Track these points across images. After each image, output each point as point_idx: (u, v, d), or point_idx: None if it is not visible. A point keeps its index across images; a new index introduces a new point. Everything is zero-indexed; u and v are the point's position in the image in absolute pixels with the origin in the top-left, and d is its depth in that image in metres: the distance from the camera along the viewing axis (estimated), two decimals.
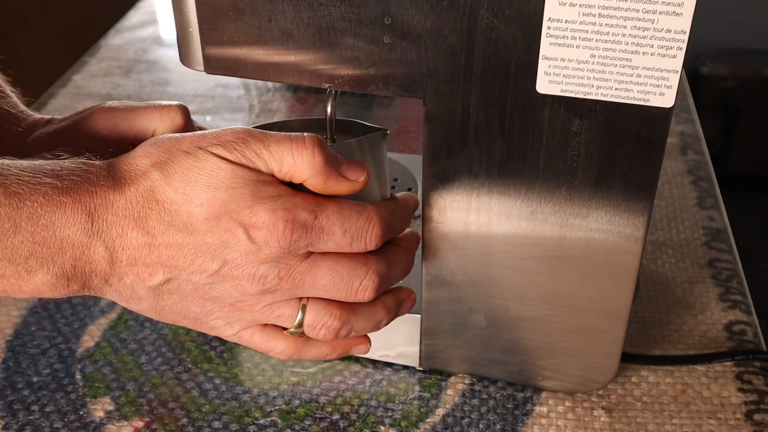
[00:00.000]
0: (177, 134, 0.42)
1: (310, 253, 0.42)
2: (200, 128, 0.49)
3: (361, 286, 0.43)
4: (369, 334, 0.47)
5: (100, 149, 0.47)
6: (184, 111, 0.49)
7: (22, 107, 0.52)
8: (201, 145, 0.40)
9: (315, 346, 0.45)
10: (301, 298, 0.43)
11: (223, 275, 0.41)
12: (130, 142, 0.47)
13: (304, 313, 0.43)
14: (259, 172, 0.40)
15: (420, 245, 0.49)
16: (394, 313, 0.46)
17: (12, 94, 0.53)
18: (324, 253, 0.42)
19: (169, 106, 0.48)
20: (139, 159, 0.41)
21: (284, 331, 0.44)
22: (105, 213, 0.39)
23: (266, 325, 0.44)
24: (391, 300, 0.46)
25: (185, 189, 0.39)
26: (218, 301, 0.42)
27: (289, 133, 0.41)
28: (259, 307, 0.42)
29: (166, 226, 0.40)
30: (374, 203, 0.43)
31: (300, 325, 0.43)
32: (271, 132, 0.41)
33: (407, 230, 0.48)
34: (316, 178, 0.41)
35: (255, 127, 0.50)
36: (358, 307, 0.44)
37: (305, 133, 0.41)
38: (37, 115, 0.52)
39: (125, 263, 0.40)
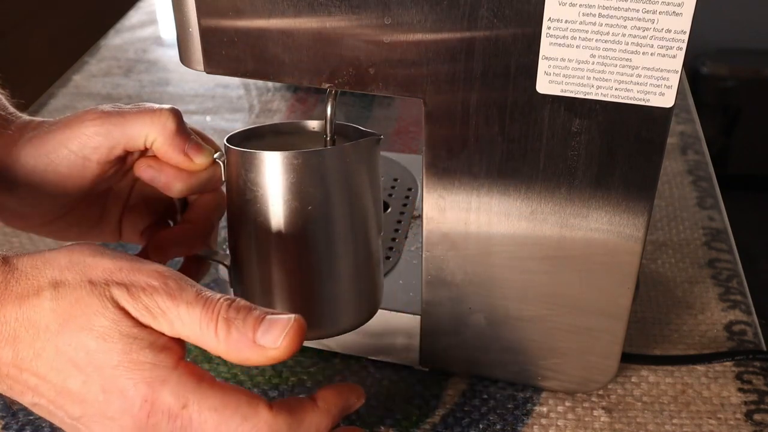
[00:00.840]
0: (102, 255, 0.39)
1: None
2: (194, 131, 0.49)
3: None
4: (369, 335, 0.47)
5: (92, 154, 0.47)
6: (176, 115, 0.47)
7: (11, 109, 0.51)
8: (108, 280, 0.37)
9: None
10: None
11: (84, 424, 0.38)
12: (122, 148, 0.47)
13: None
14: (147, 329, 0.37)
15: (422, 237, 0.49)
16: None
17: (0, 96, 0.52)
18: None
19: (161, 110, 0.47)
20: (44, 268, 0.38)
21: None
22: None
23: None
24: None
25: (64, 321, 0.37)
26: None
27: (208, 297, 0.38)
28: None
29: (35, 356, 0.37)
30: (271, 407, 0.38)
31: None
32: (191, 289, 0.38)
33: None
34: (225, 354, 0.38)
35: (254, 128, 0.50)
36: None
37: (218, 300, 0.37)
38: (27, 117, 0.51)
39: (2, 374, 0.38)
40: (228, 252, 0.50)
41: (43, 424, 0.53)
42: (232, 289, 0.51)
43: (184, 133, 0.48)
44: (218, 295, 0.38)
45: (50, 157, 0.47)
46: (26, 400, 0.39)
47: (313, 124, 0.50)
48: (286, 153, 0.44)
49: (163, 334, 0.37)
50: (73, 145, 0.47)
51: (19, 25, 1.53)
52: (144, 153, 0.48)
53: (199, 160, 0.47)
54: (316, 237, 0.46)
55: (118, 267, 0.38)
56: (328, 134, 0.48)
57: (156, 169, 0.48)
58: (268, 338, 0.37)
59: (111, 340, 0.36)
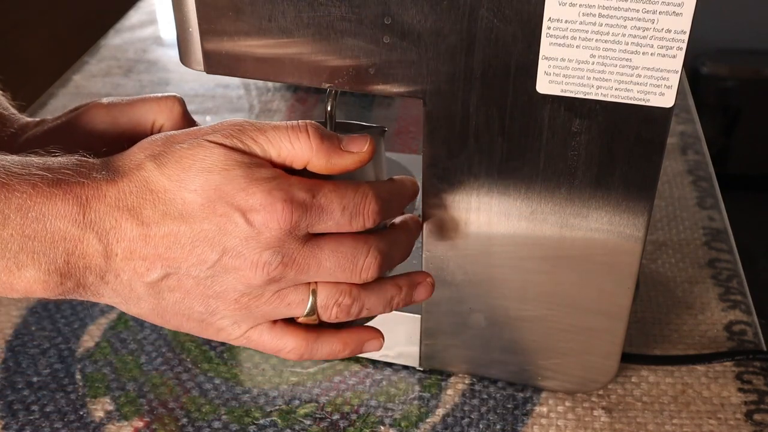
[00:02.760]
0: (173, 131, 0.41)
1: (310, 237, 0.41)
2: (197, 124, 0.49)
3: (365, 264, 0.42)
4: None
5: (99, 145, 0.46)
6: (181, 102, 0.49)
7: (12, 110, 0.51)
8: (197, 135, 0.40)
9: (326, 343, 0.44)
10: (309, 284, 0.42)
11: (224, 266, 0.40)
12: (129, 136, 0.47)
13: (315, 296, 0.42)
14: (253, 155, 0.40)
15: (421, 237, 0.49)
16: (406, 294, 0.45)
17: (1, 97, 0.52)
18: (324, 236, 0.41)
19: (167, 97, 0.48)
20: (134, 154, 0.40)
21: (296, 320, 0.43)
22: (97, 204, 0.38)
23: (275, 322, 0.43)
24: (403, 280, 0.45)
25: (179, 176, 0.39)
26: (222, 297, 0.41)
27: (287, 122, 0.41)
28: (266, 298, 0.41)
29: (161, 216, 0.38)
30: (370, 182, 0.43)
31: (313, 310, 0.42)
32: (270, 122, 0.41)
33: (407, 215, 0.47)
34: (317, 158, 0.41)
35: None
36: (368, 285, 0.43)
37: (301, 121, 0.41)
38: (28, 118, 0.51)
39: (121, 257, 0.39)
40: None
41: (43, 425, 0.53)
42: None
43: (190, 117, 0.49)
44: (295, 121, 0.41)
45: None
46: (154, 276, 0.39)
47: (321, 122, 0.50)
48: None
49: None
50: (79, 136, 0.47)
51: (19, 25, 1.53)
52: None
53: None
54: None
55: (197, 128, 0.41)
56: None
57: None
58: (355, 145, 0.42)
59: (232, 169, 0.39)
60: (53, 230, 0.37)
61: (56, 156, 0.40)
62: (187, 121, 0.48)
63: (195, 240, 0.39)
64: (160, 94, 0.48)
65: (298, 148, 0.40)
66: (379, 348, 0.46)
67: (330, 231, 0.41)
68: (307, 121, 0.41)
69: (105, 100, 0.48)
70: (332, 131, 0.42)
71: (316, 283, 0.42)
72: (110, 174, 0.39)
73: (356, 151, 0.42)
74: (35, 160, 0.39)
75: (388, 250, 0.43)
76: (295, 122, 0.41)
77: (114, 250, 0.39)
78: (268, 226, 0.39)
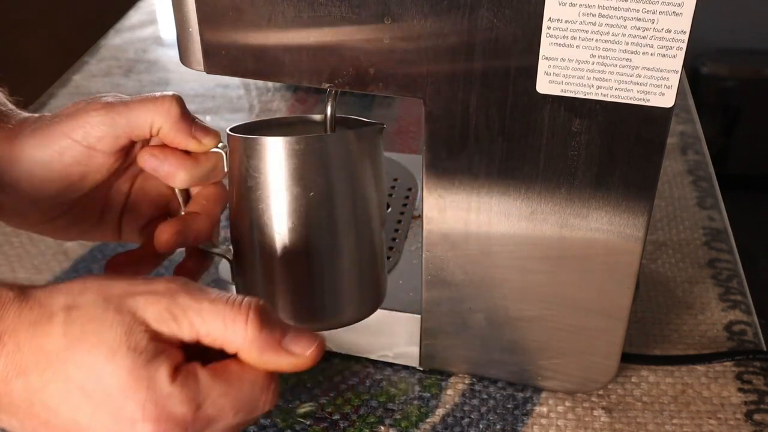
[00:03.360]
0: (118, 277, 0.38)
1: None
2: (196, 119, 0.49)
3: (262, 406, 0.38)
4: (369, 335, 0.46)
5: (97, 143, 0.46)
6: (179, 101, 0.48)
7: (10, 105, 0.51)
8: (125, 292, 0.37)
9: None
10: None
11: None
12: (127, 138, 0.47)
13: None
14: (155, 342, 0.36)
15: (421, 237, 0.49)
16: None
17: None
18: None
19: (164, 97, 0.47)
20: (58, 296, 0.37)
21: None
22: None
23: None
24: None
25: (74, 343, 0.36)
26: None
27: (234, 298, 0.37)
28: None
29: (44, 386, 0.36)
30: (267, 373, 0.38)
31: None
32: (211, 291, 0.37)
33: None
34: (250, 349, 0.37)
35: (257, 121, 0.50)
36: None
37: (248, 300, 0.37)
38: (27, 114, 0.50)
39: (4, 405, 0.36)
40: (230, 247, 0.50)
41: None
42: (233, 285, 0.51)
43: (189, 116, 0.48)
44: (240, 296, 0.37)
45: (53, 149, 0.46)
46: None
47: (317, 117, 0.50)
48: (288, 138, 0.44)
49: (174, 346, 0.36)
50: (77, 135, 0.46)
51: (19, 25, 1.53)
52: (147, 144, 0.48)
53: (207, 141, 0.47)
54: (318, 224, 0.46)
55: (135, 282, 0.38)
56: (328, 131, 0.48)
57: (159, 158, 0.47)
58: (298, 346, 0.38)
59: (119, 356, 0.35)
60: None
61: None
62: (185, 121, 0.47)
63: (70, 427, 0.36)
64: (158, 94, 0.48)
65: (231, 333, 0.36)
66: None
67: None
68: (255, 302, 0.37)
69: (104, 99, 0.48)
70: (280, 321, 0.38)
71: None
72: (20, 315, 0.36)
73: (298, 353, 0.37)
74: None
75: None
76: (240, 301, 0.37)
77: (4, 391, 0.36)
78: None
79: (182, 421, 0.35)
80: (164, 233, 0.48)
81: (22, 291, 0.37)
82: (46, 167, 0.47)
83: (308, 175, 0.44)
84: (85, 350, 0.35)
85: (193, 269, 0.51)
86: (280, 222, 0.45)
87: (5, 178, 0.47)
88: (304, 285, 0.47)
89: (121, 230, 0.53)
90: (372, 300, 0.50)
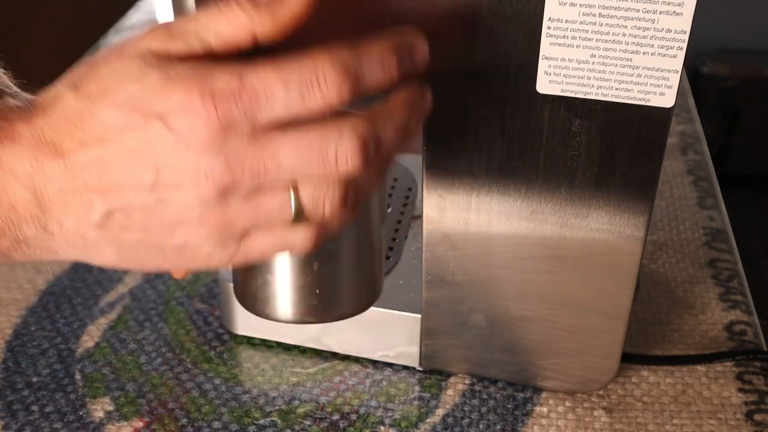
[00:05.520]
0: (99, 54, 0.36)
1: (263, 130, 0.33)
2: None
3: (338, 153, 0.34)
4: (369, 335, 0.46)
5: None
6: None
7: (15, 88, 0.49)
8: (121, 47, 0.34)
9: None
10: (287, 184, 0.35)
11: (166, 185, 0.34)
12: None
13: (297, 195, 0.35)
14: (181, 54, 0.34)
15: (421, 237, 0.49)
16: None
17: (3, 75, 0.50)
18: (283, 127, 0.34)
19: None
20: (54, 86, 0.35)
21: (287, 230, 0.36)
22: (12, 146, 0.34)
23: None
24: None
25: (96, 97, 0.34)
26: (185, 223, 0.35)
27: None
28: (235, 211, 0.34)
29: (80, 144, 0.34)
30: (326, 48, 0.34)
31: (300, 212, 0.35)
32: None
33: (408, 85, 0.37)
34: (261, 20, 0.33)
35: None
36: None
37: None
38: (31, 96, 0.49)
39: (55, 201, 0.34)
40: None
41: (43, 425, 0.53)
42: (232, 284, 0.51)
43: None
44: None
45: None
46: (96, 215, 0.35)
47: None
48: None
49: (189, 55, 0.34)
50: None
51: (19, 25, 1.53)
52: None
53: None
54: None
55: (126, 40, 0.35)
56: None
57: None
58: None
59: (148, 73, 0.33)
60: None
61: None
62: None
63: (122, 162, 0.33)
64: None
65: (235, 22, 0.33)
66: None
67: (285, 118, 0.33)
68: None
69: None
70: None
71: (296, 181, 0.35)
72: (27, 113, 0.35)
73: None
74: None
75: (373, 131, 0.35)
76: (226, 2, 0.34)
77: (45, 194, 0.34)
78: (193, 128, 0.32)
79: (227, 93, 0.32)
80: None
81: (25, 102, 0.36)
82: None
83: None
84: (110, 91, 0.33)
85: None
86: None
87: None
88: (302, 277, 0.47)
89: None
90: (369, 294, 0.50)
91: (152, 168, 0.33)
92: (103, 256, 0.37)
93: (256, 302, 0.48)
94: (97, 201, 0.34)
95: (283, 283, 0.47)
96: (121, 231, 0.35)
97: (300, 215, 0.35)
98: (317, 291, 0.47)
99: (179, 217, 0.34)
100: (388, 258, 0.59)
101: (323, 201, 0.35)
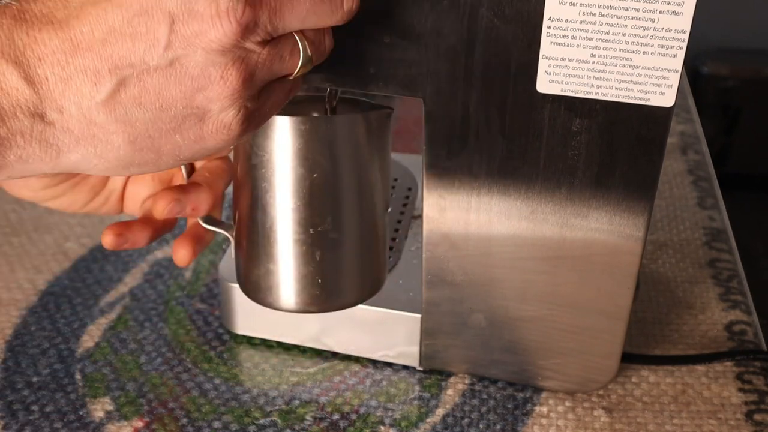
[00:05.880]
0: None
1: None
2: None
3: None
4: (369, 335, 0.46)
5: None
6: None
7: None
8: None
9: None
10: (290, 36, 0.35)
11: (183, 38, 0.31)
12: None
13: (304, 42, 0.35)
14: None
15: (421, 237, 0.49)
16: None
17: None
18: None
19: None
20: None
21: (296, 79, 0.37)
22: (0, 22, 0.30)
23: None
24: None
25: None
26: (206, 84, 0.33)
27: None
28: (256, 57, 0.33)
29: (79, 7, 0.30)
30: None
31: (308, 57, 0.35)
32: None
33: None
34: None
35: None
36: None
37: None
38: None
39: (54, 81, 0.31)
40: (232, 224, 0.49)
41: (43, 425, 0.53)
42: (234, 285, 0.51)
43: None
44: None
45: None
46: (105, 89, 0.31)
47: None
48: (294, 117, 0.44)
49: None
50: None
51: None
52: None
53: None
54: (321, 206, 0.46)
55: None
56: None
57: None
58: None
59: None
60: None
61: None
62: None
63: (131, 18, 0.31)
64: None
65: None
66: None
67: None
68: None
69: None
70: None
71: (300, 31, 0.35)
72: None
73: None
74: None
75: None
76: None
77: (40, 74, 0.30)
78: None
79: None
80: (162, 199, 0.46)
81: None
82: None
83: (313, 156, 0.44)
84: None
85: (192, 243, 0.50)
86: (282, 201, 0.45)
87: None
88: (304, 266, 0.47)
89: (124, 200, 0.52)
90: (371, 283, 0.49)
91: (166, 18, 0.31)
92: (112, 147, 0.33)
93: (259, 291, 0.48)
94: (105, 71, 0.31)
95: (286, 273, 0.47)
96: (134, 106, 0.32)
97: (308, 62, 0.36)
98: (319, 280, 0.47)
99: (200, 76, 0.32)
100: (388, 258, 0.59)
101: (323, 45, 0.36)
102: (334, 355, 0.59)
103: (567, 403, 0.55)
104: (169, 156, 0.35)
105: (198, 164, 0.50)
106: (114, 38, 0.31)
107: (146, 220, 0.49)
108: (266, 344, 0.60)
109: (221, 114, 0.34)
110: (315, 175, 0.44)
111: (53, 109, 0.31)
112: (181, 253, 0.49)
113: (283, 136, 0.44)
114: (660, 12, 0.38)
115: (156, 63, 0.31)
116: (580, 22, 0.39)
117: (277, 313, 0.49)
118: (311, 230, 0.46)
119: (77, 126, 0.32)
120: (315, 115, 0.49)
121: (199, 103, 0.33)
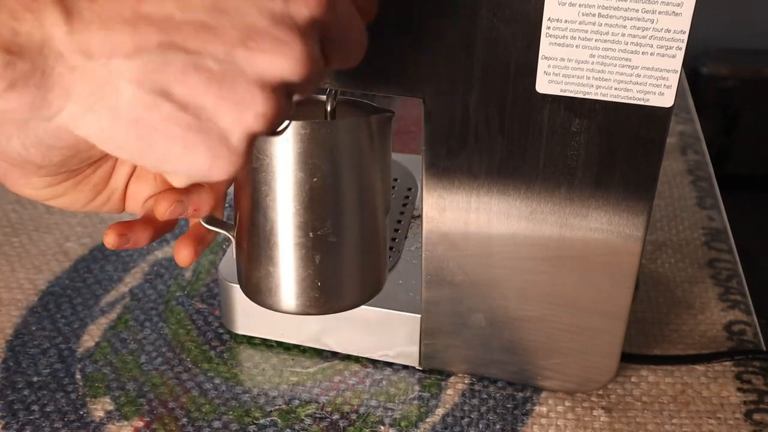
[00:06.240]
0: None
1: None
2: None
3: None
4: (369, 335, 0.46)
5: None
6: None
7: None
8: None
9: None
10: None
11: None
12: None
13: None
14: None
15: (421, 237, 0.49)
16: None
17: None
18: None
19: None
20: None
21: None
22: None
23: None
24: None
25: None
26: (252, 30, 0.30)
27: None
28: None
29: None
30: None
31: None
32: None
33: None
34: None
35: None
36: None
37: None
38: None
39: (96, 23, 0.29)
40: (234, 224, 0.49)
41: (44, 425, 0.53)
42: (234, 285, 0.51)
43: None
44: None
45: None
46: (149, 43, 0.29)
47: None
48: (295, 122, 0.44)
49: None
50: None
51: None
52: None
53: None
54: (321, 209, 0.46)
55: None
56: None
57: None
58: None
59: None
60: None
61: None
62: None
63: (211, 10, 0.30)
64: None
65: None
66: None
67: None
68: None
69: None
70: None
71: None
72: None
73: None
74: None
75: None
76: None
77: (82, 14, 0.28)
78: None
79: None
80: (164, 201, 0.46)
81: None
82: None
83: (313, 160, 0.44)
84: None
85: (194, 243, 0.50)
86: (282, 205, 0.45)
87: None
88: (304, 269, 0.47)
89: (126, 200, 0.52)
90: (371, 286, 0.49)
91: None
92: (114, 111, 0.31)
93: (259, 293, 0.48)
94: (152, 43, 0.29)
95: (286, 276, 0.47)
96: (169, 62, 0.30)
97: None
98: (319, 284, 0.47)
99: (249, 23, 0.30)
100: (388, 259, 0.59)
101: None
102: (334, 355, 0.59)
103: (566, 403, 0.55)
104: (154, 159, 0.33)
105: None
106: (189, 26, 0.29)
107: (148, 219, 0.49)
108: (266, 344, 0.60)
109: (258, 57, 0.31)
110: (315, 180, 0.45)
111: (81, 54, 0.29)
112: (183, 254, 0.49)
113: (283, 140, 0.44)
114: (659, 12, 0.38)
115: (197, 18, 0.30)
116: (580, 23, 0.39)
117: (277, 313, 0.49)
118: (311, 234, 0.46)
119: (98, 84, 0.30)
120: (316, 119, 0.49)
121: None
